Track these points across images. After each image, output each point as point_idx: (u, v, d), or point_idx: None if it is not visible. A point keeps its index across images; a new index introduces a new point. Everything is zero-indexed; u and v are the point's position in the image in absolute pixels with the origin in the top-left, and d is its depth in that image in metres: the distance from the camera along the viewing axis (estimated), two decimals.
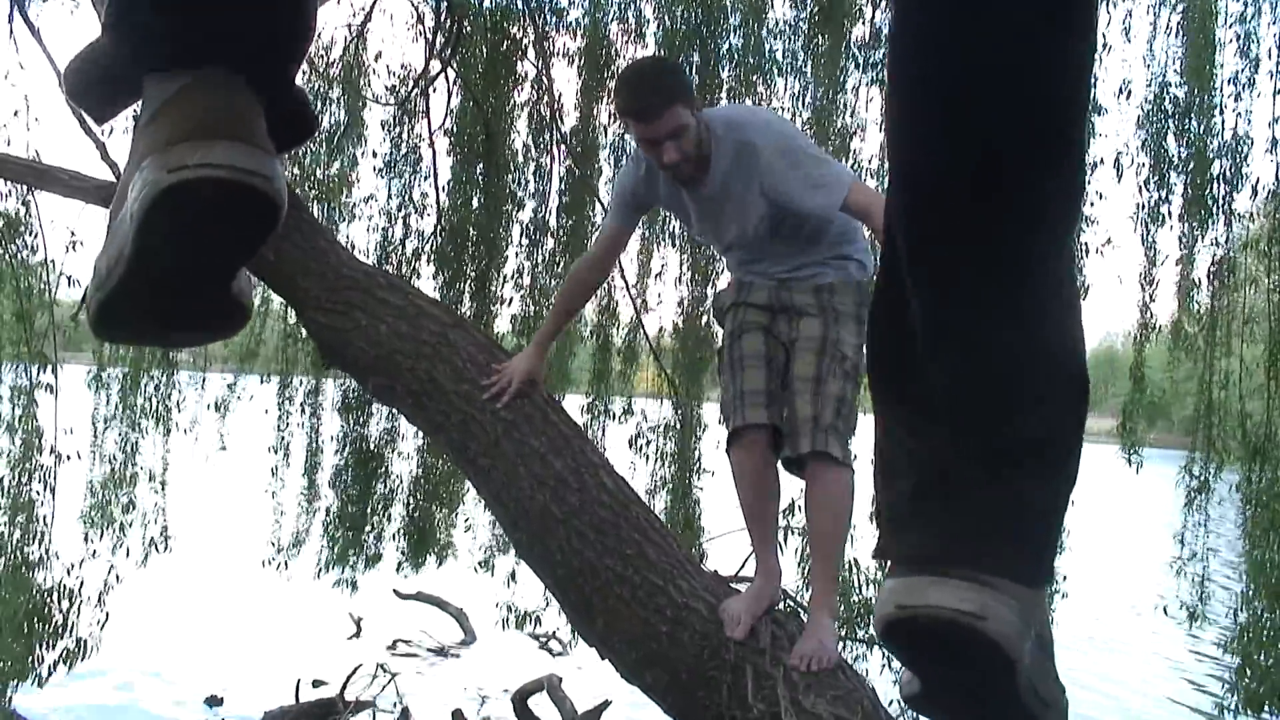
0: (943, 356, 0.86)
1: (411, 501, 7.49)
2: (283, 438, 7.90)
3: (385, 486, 7.50)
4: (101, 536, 6.83)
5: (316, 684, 7.87)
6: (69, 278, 6.43)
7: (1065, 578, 6.25)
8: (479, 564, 7.43)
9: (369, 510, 7.44)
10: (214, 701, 7.74)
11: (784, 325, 3.24)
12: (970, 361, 0.85)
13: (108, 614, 6.20)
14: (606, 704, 6.89)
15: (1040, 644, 0.90)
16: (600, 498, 3.25)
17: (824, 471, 3.04)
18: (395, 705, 7.57)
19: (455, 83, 7.19)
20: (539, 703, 7.64)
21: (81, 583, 5.70)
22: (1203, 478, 6.35)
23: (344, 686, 7.55)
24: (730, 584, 3.70)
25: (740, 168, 3.06)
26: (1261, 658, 5.68)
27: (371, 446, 7.39)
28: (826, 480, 3.06)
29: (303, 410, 7.91)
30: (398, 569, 7.69)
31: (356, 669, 7.66)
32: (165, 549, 6.90)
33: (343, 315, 3.55)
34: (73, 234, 6.36)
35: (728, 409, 3.25)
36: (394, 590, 8.97)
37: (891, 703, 5.29)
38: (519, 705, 7.72)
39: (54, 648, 5.54)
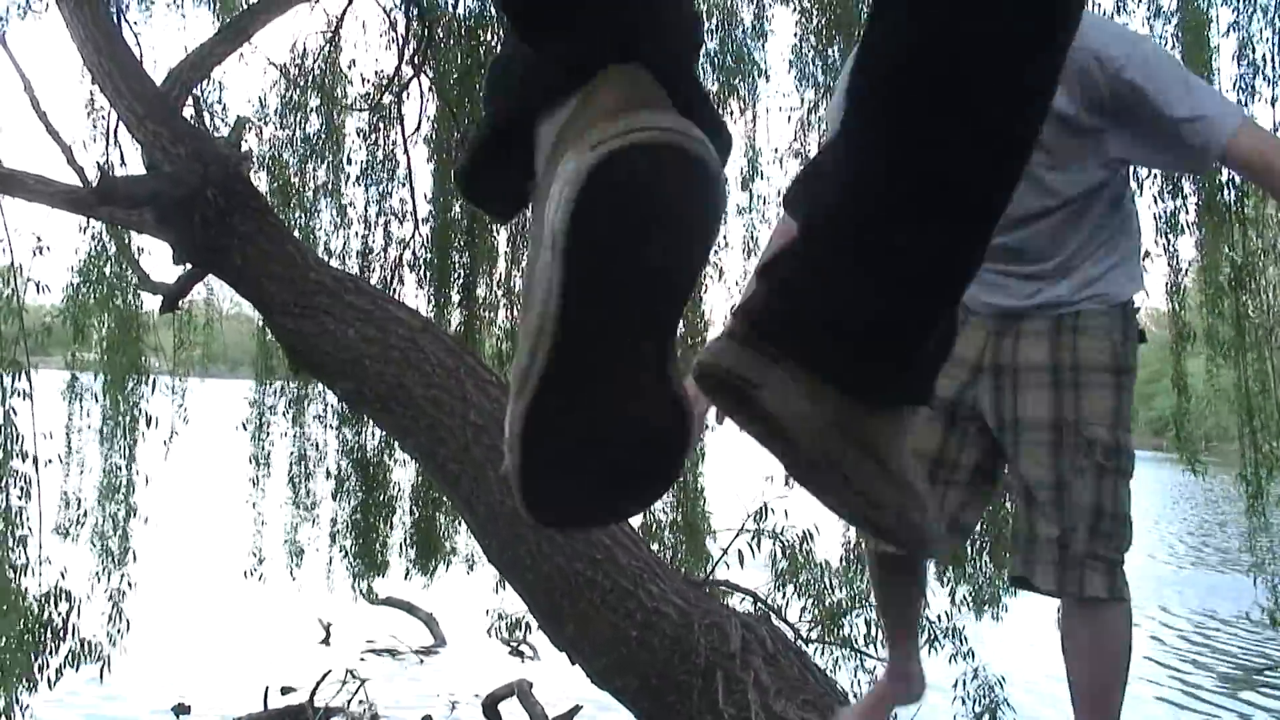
0: None
1: (415, 510, 7.47)
2: (295, 448, 7.89)
3: (385, 494, 7.50)
4: (94, 546, 6.84)
5: (285, 690, 7.81)
6: (36, 284, 6.37)
7: None
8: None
9: (376, 518, 7.45)
10: (181, 710, 7.66)
11: (988, 397, 2.32)
12: None
13: (128, 622, 6.30)
14: (577, 709, 6.87)
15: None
16: None
17: (1087, 614, 2.20)
18: (365, 711, 7.52)
19: (430, 90, 7.17)
20: (509, 708, 7.62)
21: (67, 593, 5.65)
22: (1256, 484, 6.40)
23: (313, 693, 7.50)
24: (702, 587, 3.71)
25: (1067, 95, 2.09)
26: None
27: (370, 455, 7.37)
28: (1091, 623, 2.20)
29: (296, 420, 7.89)
30: (405, 576, 7.69)
31: (325, 675, 7.60)
32: (135, 560, 6.84)
33: (310, 320, 3.53)
34: (39, 239, 6.30)
35: None
36: (363, 595, 8.91)
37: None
38: (489, 710, 7.69)
39: (56, 652, 5.52)
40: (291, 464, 7.86)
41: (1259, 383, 6.37)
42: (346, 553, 7.60)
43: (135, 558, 6.75)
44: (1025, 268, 2.26)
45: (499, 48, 7.18)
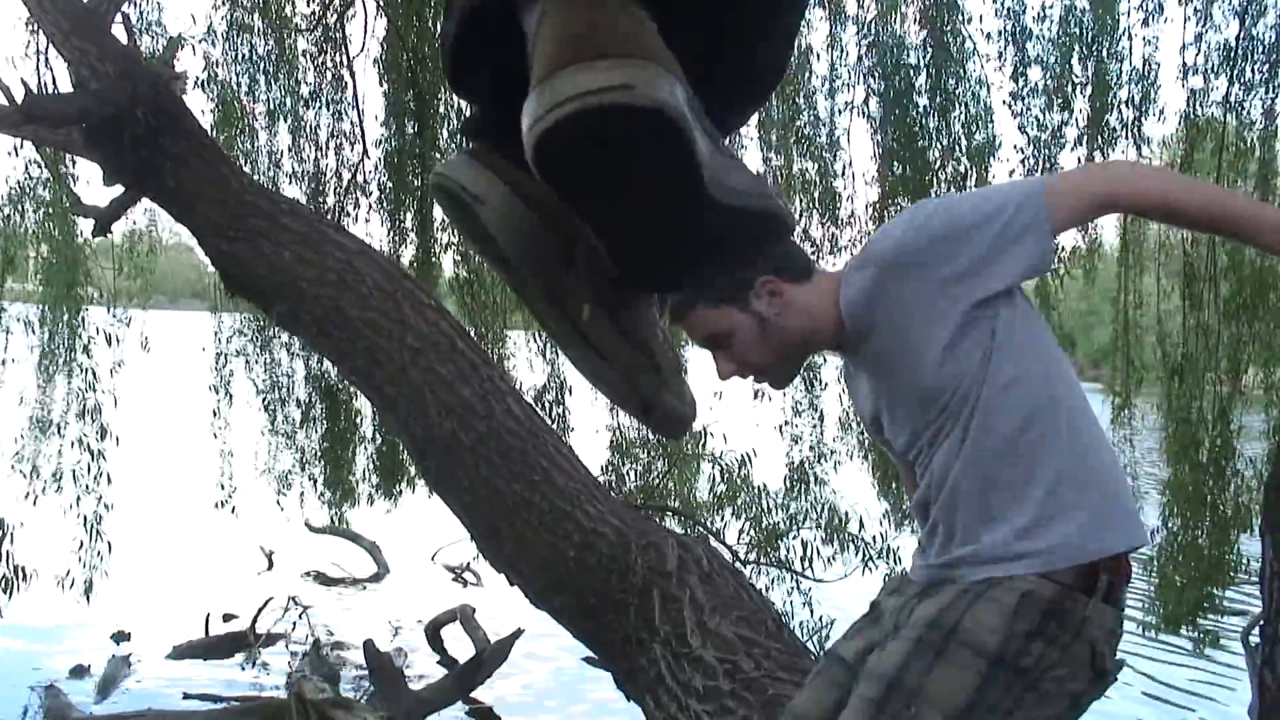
0: None
1: (379, 436, 7.44)
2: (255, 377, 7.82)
3: (347, 421, 7.48)
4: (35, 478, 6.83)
5: (227, 618, 7.82)
6: None
7: None
8: None
9: (343, 445, 7.44)
10: (121, 637, 7.64)
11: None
12: None
13: (109, 544, 6.58)
14: (519, 632, 6.93)
15: (713, 140, 0.81)
16: (507, 424, 3.26)
17: None
18: (306, 638, 7.55)
19: (377, 11, 7.03)
20: (452, 633, 7.68)
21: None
22: (1124, 395, 6.44)
23: (254, 619, 7.51)
24: (643, 513, 3.75)
25: (884, 306, 1.82)
26: (1178, 578, 5.83)
27: (332, 380, 7.31)
28: None
29: (264, 348, 7.82)
30: (369, 501, 7.70)
31: (267, 602, 7.62)
32: (110, 482, 6.80)
33: (245, 242, 3.49)
34: None
35: None
36: (306, 523, 8.90)
37: (800, 624, 5.41)
38: (432, 635, 7.75)
39: None
40: (263, 393, 7.79)
41: (1137, 298, 6.48)
42: (316, 481, 7.59)
43: (110, 480, 6.71)
44: (939, 541, 1.85)
45: None
